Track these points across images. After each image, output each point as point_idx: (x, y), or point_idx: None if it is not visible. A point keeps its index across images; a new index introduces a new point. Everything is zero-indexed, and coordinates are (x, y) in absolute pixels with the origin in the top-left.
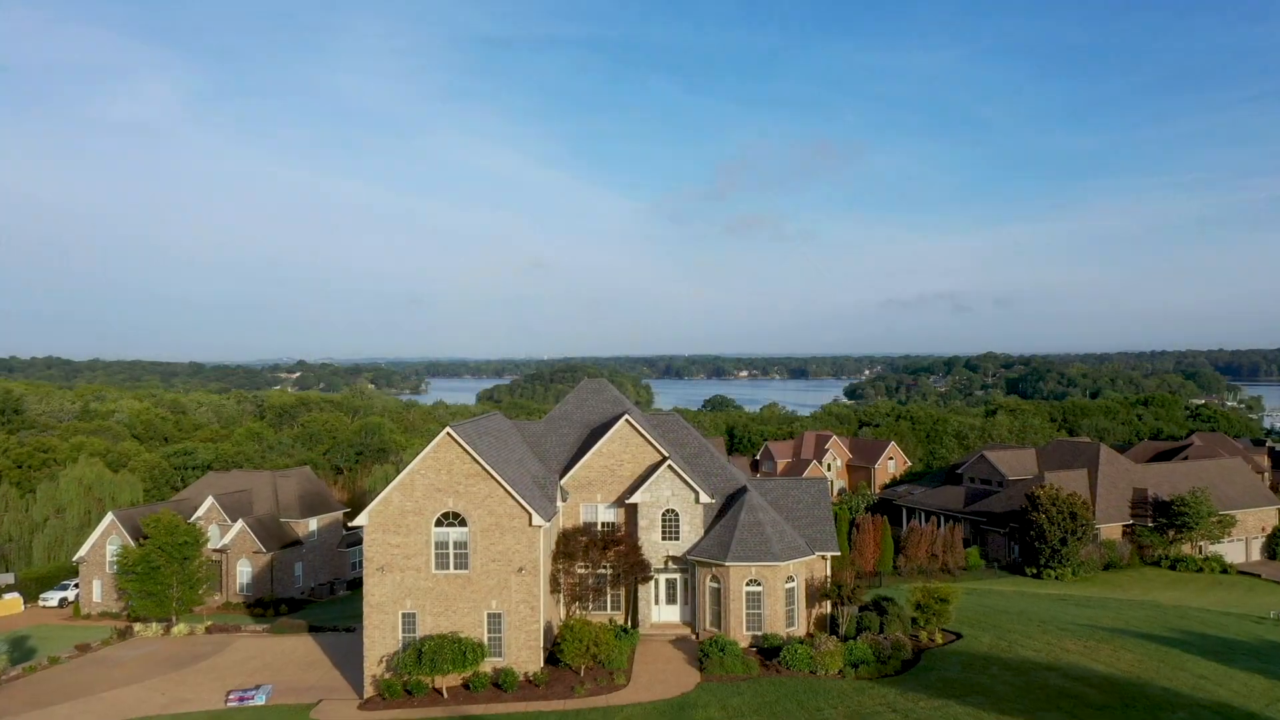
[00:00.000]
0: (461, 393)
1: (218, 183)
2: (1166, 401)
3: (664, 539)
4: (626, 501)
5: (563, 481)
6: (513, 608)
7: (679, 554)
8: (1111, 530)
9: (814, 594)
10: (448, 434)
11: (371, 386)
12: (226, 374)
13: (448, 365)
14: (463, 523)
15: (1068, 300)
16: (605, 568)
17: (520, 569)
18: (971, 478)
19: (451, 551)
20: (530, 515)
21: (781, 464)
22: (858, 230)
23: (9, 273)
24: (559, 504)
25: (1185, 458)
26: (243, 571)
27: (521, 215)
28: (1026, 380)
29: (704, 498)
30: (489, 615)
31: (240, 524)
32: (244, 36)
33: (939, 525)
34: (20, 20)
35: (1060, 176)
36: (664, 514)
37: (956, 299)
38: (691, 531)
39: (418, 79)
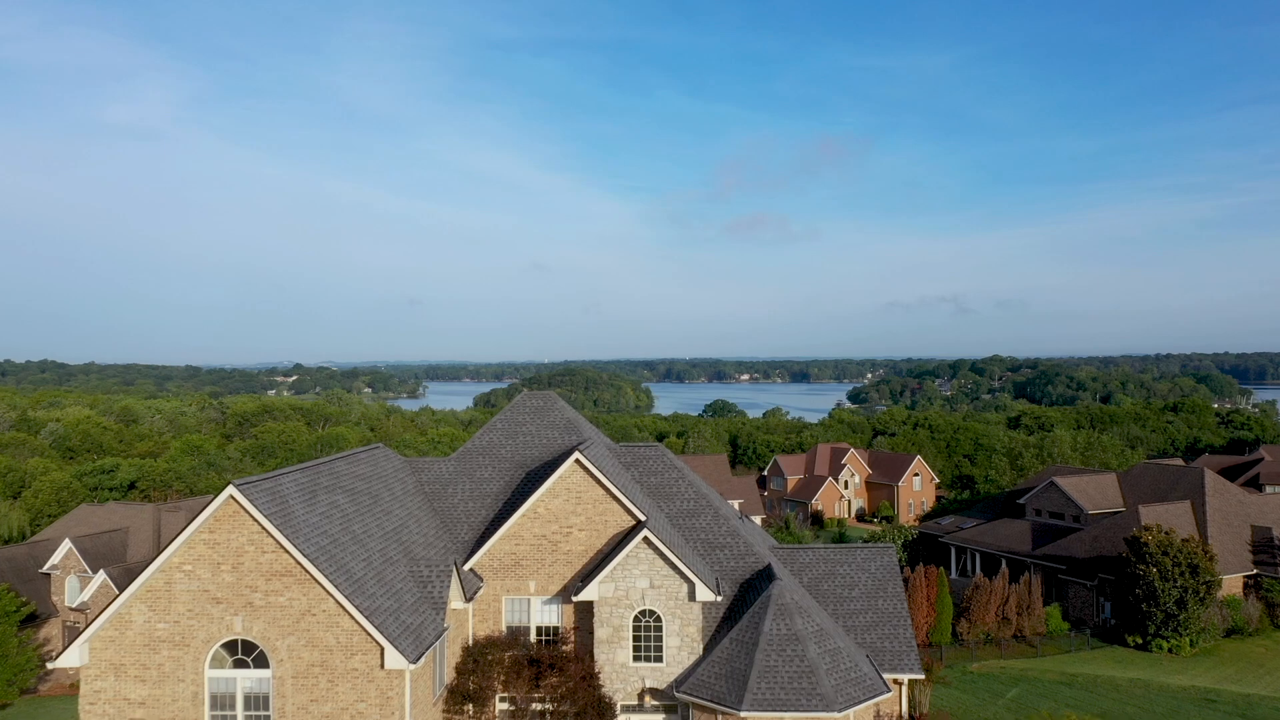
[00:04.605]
0: (459, 396)
1: (217, 185)
2: (1197, 407)
3: (638, 659)
4: (576, 597)
5: (473, 561)
6: None
7: (662, 685)
8: (1231, 583)
9: None
10: (232, 498)
11: (369, 390)
12: (222, 378)
13: (447, 369)
14: (262, 661)
15: (1070, 302)
16: (542, 705)
17: None
18: (1038, 510)
19: (240, 714)
20: (383, 649)
21: (792, 481)
22: (859, 232)
23: (7, 275)
24: (460, 604)
25: (1258, 476)
26: None
27: (521, 217)
28: (1034, 384)
29: (704, 591)
30: None
31: (102, 576)
32: (244, 39)
33: (1010, 578)
34: (19, 22)
35: (1062, 179)
36: (638, 618)
37: (958, 301)
38: (683, 648)
39: (418, 81)
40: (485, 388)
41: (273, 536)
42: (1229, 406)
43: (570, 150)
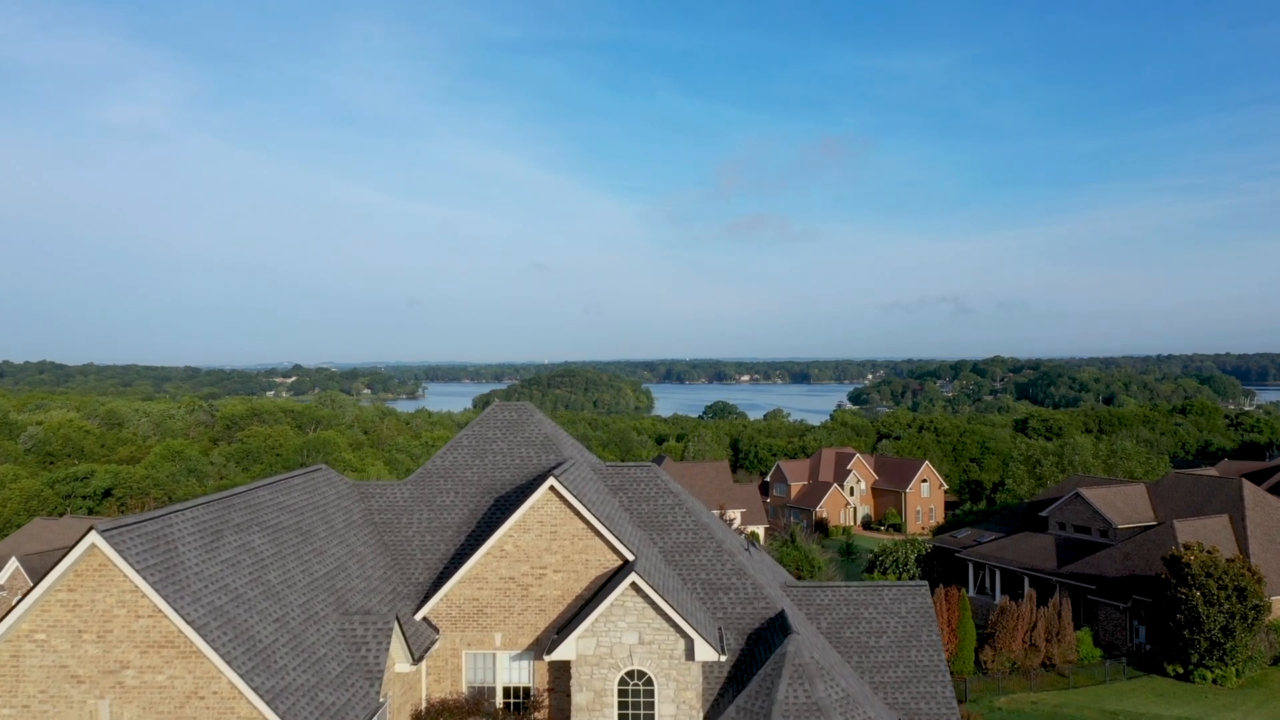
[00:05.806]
0: (459, 398)
1: (216, 185)
2: (1206, 409)
3: None
4: (549, 656)
5: (426, 609)
6: None
7: None
8: (1277, 605)
9: None
10: (94, 546)
11: (368, 391)
12: (221, 379)
13: (447, 369)
14: None
15: (1071, 303)
16: None
17: None
18: (1062, 523)
19: None
20: None
21: (796, 487)
22: (859, 232)
23: (7, 275)
24: (406, 666)
25: None
26: None
27: (521, 218)
28: (1037, 385)
29: (704, 648)
30: None
31: None
32: (244, 39)
33: (1037, 598)
34: (19, 22)
35: (1062, 180)
36: (625, 680)
37: (959, 301)
38: (678, 716)
39: (418, 82)
40: (485, 389)
41: (148, 597)
42: (1235, 408)
43: (570, 150)
